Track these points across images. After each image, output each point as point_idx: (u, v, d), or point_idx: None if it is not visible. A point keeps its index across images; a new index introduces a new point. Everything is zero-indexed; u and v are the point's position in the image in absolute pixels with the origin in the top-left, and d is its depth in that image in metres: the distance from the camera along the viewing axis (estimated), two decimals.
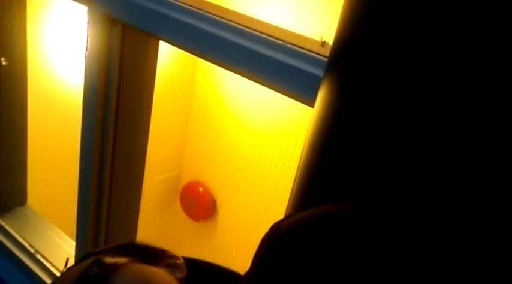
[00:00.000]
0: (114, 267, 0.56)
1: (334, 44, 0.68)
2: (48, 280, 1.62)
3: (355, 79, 0.63)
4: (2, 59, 1.55)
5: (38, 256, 1.67)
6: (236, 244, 2.20)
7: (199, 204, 2.31)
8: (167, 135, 2.21)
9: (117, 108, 1.25)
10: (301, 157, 0.67)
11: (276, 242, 0.53)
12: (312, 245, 0.50)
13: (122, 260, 0.59)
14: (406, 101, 0.57)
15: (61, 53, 1.79)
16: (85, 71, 1.25)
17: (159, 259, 0.63)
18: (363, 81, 0.62)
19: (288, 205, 0.67)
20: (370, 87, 0.61)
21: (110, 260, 0.57)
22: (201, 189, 2.30)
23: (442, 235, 0.49)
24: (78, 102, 1.30)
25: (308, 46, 0.90)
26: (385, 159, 0.57)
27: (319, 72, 0.85)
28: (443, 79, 0.54)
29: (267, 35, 0.94)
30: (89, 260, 0.57)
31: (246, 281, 0.55)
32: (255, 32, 0.95)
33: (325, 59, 0.79)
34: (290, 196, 0.67)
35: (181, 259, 0.65)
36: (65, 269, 0.63)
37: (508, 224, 0.49)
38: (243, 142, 2.11)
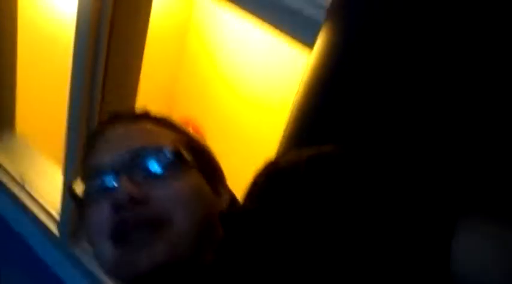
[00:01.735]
0: (185, 165, 0.61)
1: None
2: (35, 208, 1.64)
3: (355, 25, 0.62)
4: None
5: (26, 186, 1.68)
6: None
7: None
8: (160, 69, 2.18)
9: (110, 35, 1.21)
10: (294, 99, 0.67)
11: (272, 178, 0.53)
12: (308, 182, 0.50)
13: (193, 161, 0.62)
14: (408, 50, 0.56)
15: None
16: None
17: (214, 180, 0.65)
18: (364, 27, 0.60)
19: (280, 147, 0.67)
20: (370, 34, 0.60)
21: (188, 157, 0.62)
22: (190, 128, 2.30)
23: (432, 183, 0.49)
24: (71, 29, 1.27)
25: None
26: (381, 105, 0.57)
27: (320, 16, 0.83)
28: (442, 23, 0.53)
29: None
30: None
31: (242, 211, 0.56)
32: None
33: (327, 3, 0.77)
34: (282, 137, 0.67)
35: (229, 196, 0.66)
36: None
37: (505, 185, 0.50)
38: (236, 83, 2.10)
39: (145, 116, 0.68)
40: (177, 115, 2.42)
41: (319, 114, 0.63)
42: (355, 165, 0.50)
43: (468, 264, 0.43)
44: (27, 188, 1.67)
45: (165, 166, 0.58)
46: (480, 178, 0.50)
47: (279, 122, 0.70)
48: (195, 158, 0.62)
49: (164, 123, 0.67)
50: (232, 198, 0.67)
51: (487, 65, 0.51)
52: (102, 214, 0.57)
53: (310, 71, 0.65)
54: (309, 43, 0.79)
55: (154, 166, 0.58)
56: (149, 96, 2.13)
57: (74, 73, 1.30)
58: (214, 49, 2.15)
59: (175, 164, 0.58)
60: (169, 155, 0.58)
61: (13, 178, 1.70)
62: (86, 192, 0.60)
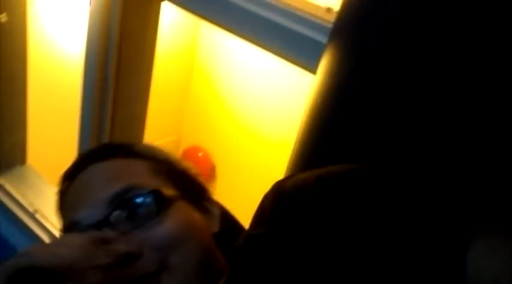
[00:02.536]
0: (168, 203, 0.54)
1: (339, 10, 0.67)
2: (46, 238, 1.64)
3: (359, 47, 0.62)
4: (2, 15, 1.53)
5: (37, 216, 1.69)
6: (235, 209, 2.22)
7: (198, 169, 2.31)
8: (168, 99, 2.20)
9: (117, 69, 1.24)
10: (301, 123, 0.67)
11: (280, 200, 0.53)
12: (317, 204, 0.50)
13: (174, 193, 0.57)
14: (411, 71, 0.56)
15: (63, 10, 1.77)
16: (87, 30, 1.23)
17: (200, 199, 0.61)
18: (367, 49, 0.61)
19: (287, 170, 0.67)
20: (374, 55, 0.60)
21: (167, 192, 0.56)
22: (200, 154, 2.31)
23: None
24: (80, 61, 1.29)
25: (313, 12, 0.88)
26: (387, 124, 0.57)
27: (323, 38, 0.84)
28: (449, 52, 0.54)
29: None
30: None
31: (249, 234, 0.56)
32: None
33: (330, 26, 0.78)
34: (289, 160, 0.67)
35: (219, 210, 0.62)
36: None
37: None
38: (244, 108, 2.11)
39: (114, 150, 0.63)
40: (185, 145, 2.44)
41: (325, 134, 0.63)
42: (364, 185, 0.50)
43: (482, 275, 0.43)
44: (38, 217, 1.68)
45: (147, 210, 0.54)
46: (495, 190, 0.50)
47: (287, 149, 0.70)
48: (176, 184, 0.59)
49: (135, 152, 0.63)
50: (222, 210, 0.65)
51: (502, 87, 0.51)
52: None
53: (315, 91, 0.66)
54: (312, 67, 0.80)
55: (137, 212, 0.53)
56: (157, 126, 2.16)
57: (83, 107, 1.32)
58: (220, 79, 2.17)
59: (157, 205, 0.54)
60: (148, 198, 0.54)
61: (24, 208, 1.71)
62: None
